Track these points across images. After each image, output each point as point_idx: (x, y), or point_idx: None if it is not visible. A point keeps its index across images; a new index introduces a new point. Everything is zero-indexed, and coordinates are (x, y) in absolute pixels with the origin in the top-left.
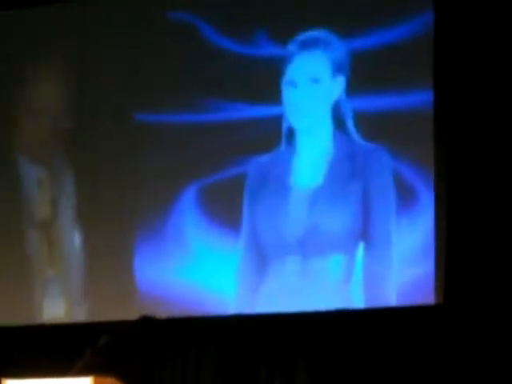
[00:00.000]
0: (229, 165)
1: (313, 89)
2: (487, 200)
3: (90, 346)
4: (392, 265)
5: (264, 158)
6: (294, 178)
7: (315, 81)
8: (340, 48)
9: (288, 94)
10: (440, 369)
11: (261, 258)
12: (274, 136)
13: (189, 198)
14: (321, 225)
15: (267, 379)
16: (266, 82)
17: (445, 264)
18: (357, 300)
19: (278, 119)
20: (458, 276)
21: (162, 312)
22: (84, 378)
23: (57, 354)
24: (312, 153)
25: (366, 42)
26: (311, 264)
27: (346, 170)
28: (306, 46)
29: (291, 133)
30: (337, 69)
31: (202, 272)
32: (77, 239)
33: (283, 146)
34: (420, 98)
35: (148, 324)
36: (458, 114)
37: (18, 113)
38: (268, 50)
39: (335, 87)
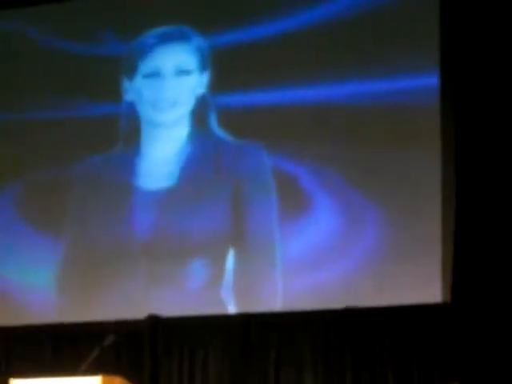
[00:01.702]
0: (56, 165)
1: (181, 81)
2: (495, 199)
3: (97, 344)
4: (276, 268)
5: (97, 159)
6: (136, 179)
7: (184, 72)
8: (204, 43)
9: (147, 85)
10: (446, 365)
11: (92, 264)
12: (108, 135)
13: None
14: (175, 227)
15: (275, 378)
16: (105, 80)
17: (452, 263)
18: (229, 304)
19: (115, 118)
20: (465, 274)
21: None
22: (92, 377)
23: (65, 353)
24: (162, 152)
25: (229, 37)
26: (162, 268)
27: (209, 169)
28: (169, 38)
29: (133, 131)
30: (203, 63)
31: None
32: None
33: (120, 146)
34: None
35: (155, 323)
36: None
37: None
38: (111, 47)
39: (201, 81)
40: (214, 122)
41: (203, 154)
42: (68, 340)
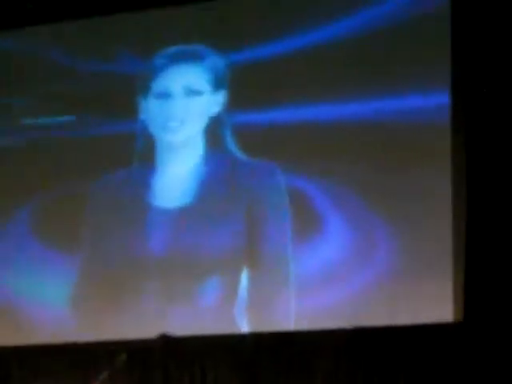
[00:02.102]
0: (71, 183)
1: (190, 101)
2: (506, 216)
3: (109, 363)
4: (289, 288)
5: (112, 177)
6: (152, 197)
7: (194, 93)
8: (219, 62)
9: (158, 106)
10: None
11: (106, 282)
12: (124, 153)
13: (24, 215)
14: (190, 246)
15: None
16: (122, 98)
17: (464, 281)
18: (242, 323)
19: (131, 136)
20: (477, 293)
21: None
22: None
23: (77, 372)
24: (177, 170)
25: (246, 55)
26: (177, 286)
27: (223, 188)
28: (181, 57)
29: (148, 149)
30: (217, 82)
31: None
32: None
33: (136, 164)
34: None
35: (166, 342)
36: None
37: None
38: (128, 65)
39: (215, 101)
40: (229, 140)
41: (218, 172)
42: (81, 358)
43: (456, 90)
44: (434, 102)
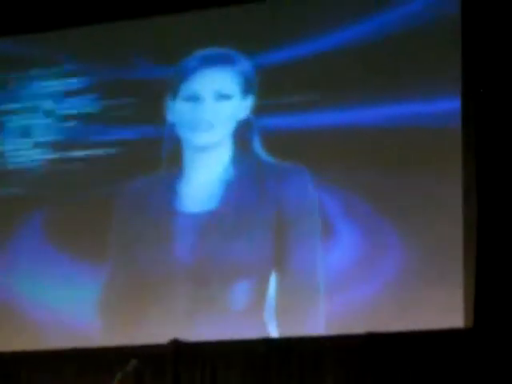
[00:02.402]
0: (96, 190)
1: (220, 105)
2: None
3: (119, 369)
4: (319, 292)
5: (140, 182)
6: (179, 202)
7: (224, 97)
8: (249, 66)
9: (187, 109)
10: None
11: (134, 288)
12: (150, 159)
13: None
14: (218, 251)
15: None
16: (149, 102)
17: (474, 287)
18: (271, 328)
19: (158, 140)
20: (488, 299)
21: None
22: None
23: (87, 378)
24: (205, 174)
25: (274, 57)
26: (205, 292)
27: (252, 193)
28: (211, 61)
29: (176, 153)
30: (246, 87)
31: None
32: None
33: (163, 168)
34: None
35: (178, 348)
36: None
37: None
38: (156, 69)
39: (244, 106)
40: (257, 144)
41: (246, 176)
42: (92, 364)
43: (467, 95)
44: (445, 107)
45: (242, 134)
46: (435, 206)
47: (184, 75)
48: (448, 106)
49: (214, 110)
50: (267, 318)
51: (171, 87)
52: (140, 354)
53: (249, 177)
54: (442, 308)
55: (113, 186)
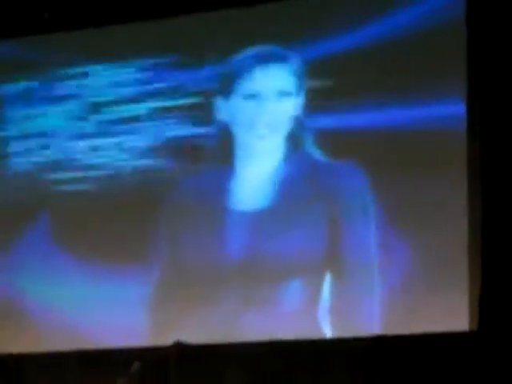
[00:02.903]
0: (143, 189)
1: (279, 103)
2: None
3: (123, 372)
4: (373, 292)
5: (189, 180)
6: (230, 200)
7: (283, 95)
8: (301, 63)
9: (244, 107)
10: None
11: (185, 286)
12: (201, 156)
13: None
14: (269, 249)
15: None
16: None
17: (480, 289)
18: (325, 328)
19: (207, 138)
20: (493, 303)
21: None
22: None
23: (90, 380)
24: (256, 172)
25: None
26: (257, 290)
27: (304, 190)
28: (267, 59)
29: (227, 151)
30: (300, 84)
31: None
32: None
33: (213, 166)
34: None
35: (181, 350)
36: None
37: None
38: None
39: (298, 103)
40: (309, 142)
41: (299, 174)
42: (94, 367)
43: (472, 99)
44: (450, 110)
45: (294, 132)
46: (440, 209)
47: (238, 73)
48: (453, 109)
49: (274, 109)
50: (320, 317)
51: (222, 85)
52: (143, 356)
53: (301, 175)
54: (447, 311)
55: (161, 185)
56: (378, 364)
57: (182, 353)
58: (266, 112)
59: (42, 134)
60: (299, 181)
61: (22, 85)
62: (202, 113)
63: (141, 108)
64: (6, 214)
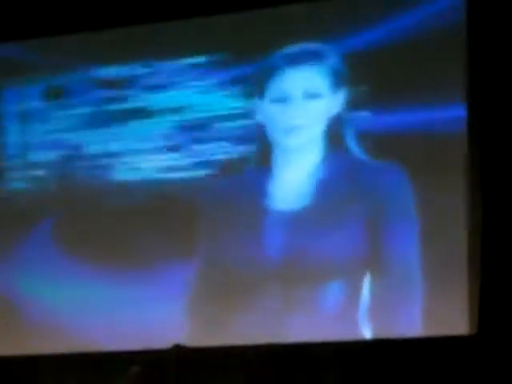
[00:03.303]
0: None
1: (310, 105)
2: None
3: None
4: (415, 294)
5: (228, 180)
6: (269, 200)
7: (314, 96)
8: (338, 60)
9: (276, 109)
10: None
11: (224, 287)
12: (239, 157)
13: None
14: (309, 249)
15: None
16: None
17: (479, 293)
18: (365, 329)
19: (246, 138)
20: (492, 306)
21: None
22: None
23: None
24: (295, 172)
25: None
26: (296, 291)
27: (344, 189)
28: (300, 58)
29: (265, 152)
30: (337, 82)
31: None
32: None
33: (252, 167)
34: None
35: (179, 353)
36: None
37: None
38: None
39: (335, 102)
40: (350, 140)
41: (338, 173)
42: (93, 370)
43: (472, 102)
44: (450, 113)
45: (334, 131)
46: (439, 212)
47: (271, 74)
48: (453, 112)
49: (304, 111)
50: (361, 319)
51: (258, 85)
52: (141, 359)
53: (341, 174)
54: (446, 315)
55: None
56: (376, 368)
57: (181, 356)
58: (293, 115)
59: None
60: (339, 180)
61: None
62: (242, 112)
63: None
64: (9, 215)
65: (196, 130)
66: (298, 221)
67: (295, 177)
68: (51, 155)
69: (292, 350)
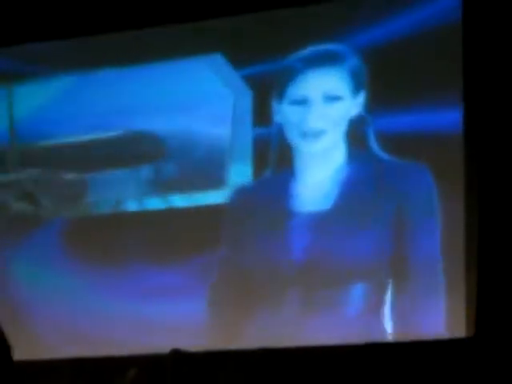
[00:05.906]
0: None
1: (330, 108)
2: None
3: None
4: (440, 297)
5: (250, 183)
6: (291, 202)
7: (334, 99)
8: (358, 61)
9: (295, 112)
10: None
11: (246, 289)
12: (260, 159)
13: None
14: (332, 251)
15: None
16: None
17: (476, 297)
18: (388, 333)
19: (266, 140)
20: (489, 309)
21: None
22: None
23: None
24: (318, 175)
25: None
26: (319, 294)
27: (368, 191)
28: (319, 60)
29: (286, 155)
30: (357, 83)
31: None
32: None
33: (273, 168)
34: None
35: (179, 358)
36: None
37: None
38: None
39: (355, 104)
40: (373, 141)
41: (362, 174)
42: (89, 375)
43: (468, 104)
44: (446, 115)
45: (355, 132)
46: (436, 213)
47: (290, 76)
48: (450, 114)
49: (323, 115)
50: (384, 322)
51: (276, 86)
52: (139, 364)
53: (365, 175)
54: (443, 317)
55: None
56: (373, 371)
57: (179, 361)
58: (312, 118)
59: None
60: (363, 181)
61: None
62: (260, 115)
63: None
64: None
65: None
66: (322, 223)
67: (318, 178)
68: None
69: (291, 354)
